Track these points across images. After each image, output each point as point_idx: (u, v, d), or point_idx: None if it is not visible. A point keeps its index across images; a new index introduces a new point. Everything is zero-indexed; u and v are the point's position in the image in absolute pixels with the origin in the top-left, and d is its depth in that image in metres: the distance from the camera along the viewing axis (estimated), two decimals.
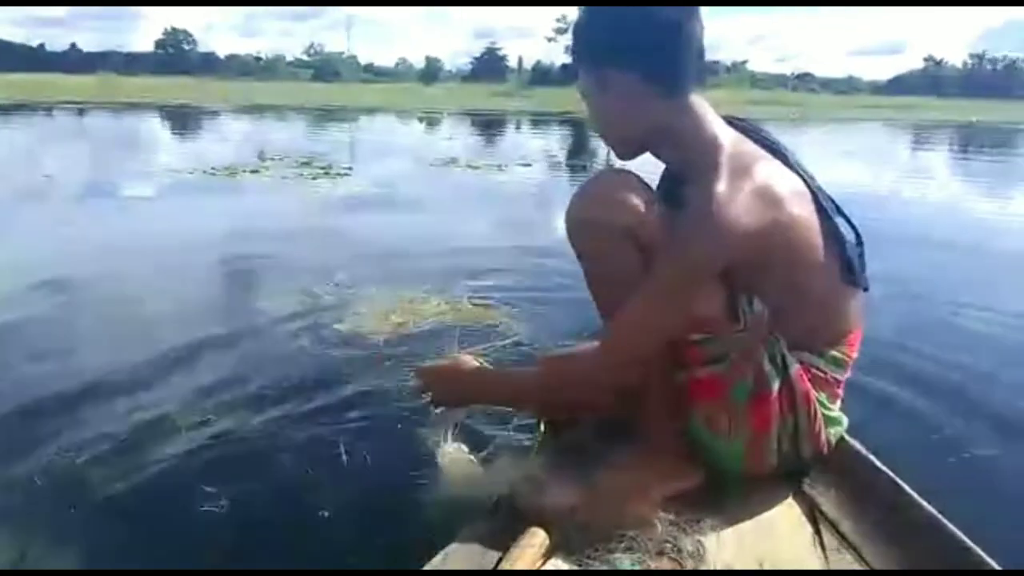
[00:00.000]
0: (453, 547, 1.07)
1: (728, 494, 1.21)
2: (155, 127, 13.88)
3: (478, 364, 1.36)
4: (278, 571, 1.24)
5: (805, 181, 1.21)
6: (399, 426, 1.63)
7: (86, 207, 4.84)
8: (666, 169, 1.29)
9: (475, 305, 2.48)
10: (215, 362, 2.00)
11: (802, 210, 1.15)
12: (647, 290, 1.11)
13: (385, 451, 1.54)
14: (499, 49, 78.95)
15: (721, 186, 1.06)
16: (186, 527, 1.30)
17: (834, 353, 1.22)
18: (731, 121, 1.24)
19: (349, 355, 2.05)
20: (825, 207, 1.20)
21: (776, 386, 1.16)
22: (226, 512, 1.32)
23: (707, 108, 1.19)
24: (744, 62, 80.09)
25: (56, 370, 1.96)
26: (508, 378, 1.44)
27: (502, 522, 1.14)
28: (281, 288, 2.71)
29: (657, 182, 1.29)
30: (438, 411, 1.35)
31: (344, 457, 1.51)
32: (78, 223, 4.20)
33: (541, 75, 62.49)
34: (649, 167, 1.25)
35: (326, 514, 1.32)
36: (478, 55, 78.63)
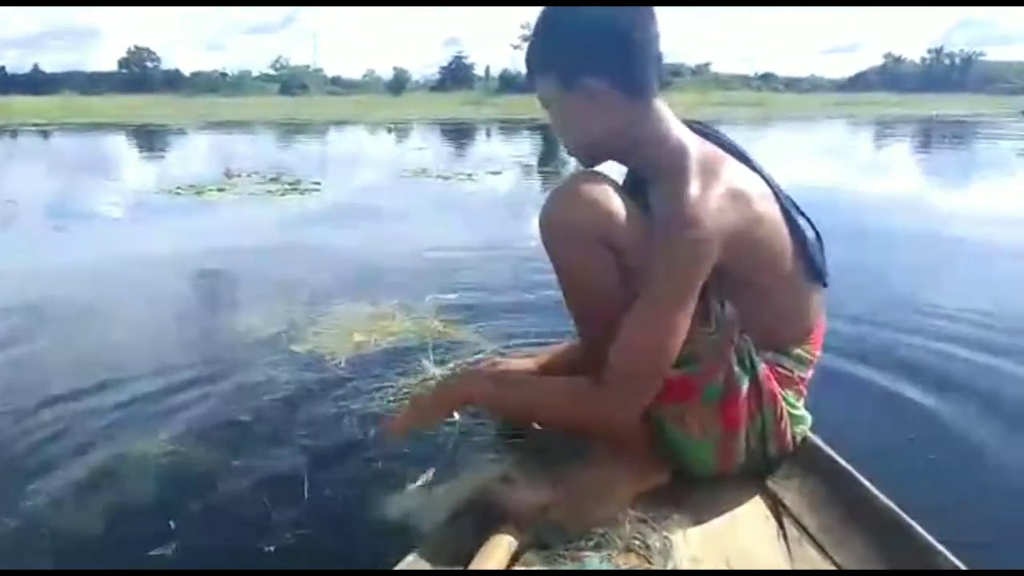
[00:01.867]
0: (421, 548, 1.08)
1: (695, 491, 1.23)
2: (120, 147, 13.69)
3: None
4: (272, 571, 1.23)
5: (766, 180, 1.23)
6: (353, 449, 1.61)
7: (48, 231, 4.76)
8: (628, 174, 1.30)
9: (442, 320, 2.44)
10: (166, 388, 1.96)
11: (769, 210, 1.17)
12: (650, 307, 1.10)
13: (341, 472, 1.52)
14: (466, 58, 79.08)
15: (695, 188, 1.08)
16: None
17: (799, 351, 1.24)
18: (690, 125, 1.25)
19: (302, 378, 2.00)
20: (787, 206, 1.23)
21: (745, 386, 1.18)
22: (179, 546, 1.28)
23: (668, 112, 1.21)
24: (707, 64, 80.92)
25: (5, 396, 1.93)
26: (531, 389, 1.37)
27: (472, 522, 1.15)
28: (242, 309, 2.68)
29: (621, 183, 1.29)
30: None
31: (300, 480, 1.49)
32: (40, 247, 4.13)
33: (508, 82, 62.56)
34: (613, 173, 1.26)
35: (283, 537, 1.30)
36: (445, 64, 78.67)
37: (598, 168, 1.28)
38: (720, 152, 1.20)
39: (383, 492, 1.41)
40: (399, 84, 74.51)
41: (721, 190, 1.10)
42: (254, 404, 1.85)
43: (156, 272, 3.39)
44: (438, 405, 1.35)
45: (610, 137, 1.22)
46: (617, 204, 1.15)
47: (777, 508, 1.20)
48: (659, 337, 1.10)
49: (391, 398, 1.83)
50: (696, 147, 1.17)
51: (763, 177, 1.23)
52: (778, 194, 1.22)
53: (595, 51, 1.16)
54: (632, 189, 1.25)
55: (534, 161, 10.22)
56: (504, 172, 7.89)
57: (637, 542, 1.09)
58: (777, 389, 1.21)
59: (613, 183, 1.20)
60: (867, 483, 1.18)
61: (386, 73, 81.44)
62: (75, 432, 1.72)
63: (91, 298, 2.94)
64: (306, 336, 2.31)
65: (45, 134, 16.54)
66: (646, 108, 1.19)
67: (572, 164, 8.46)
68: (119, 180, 7.60)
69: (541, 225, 1.20)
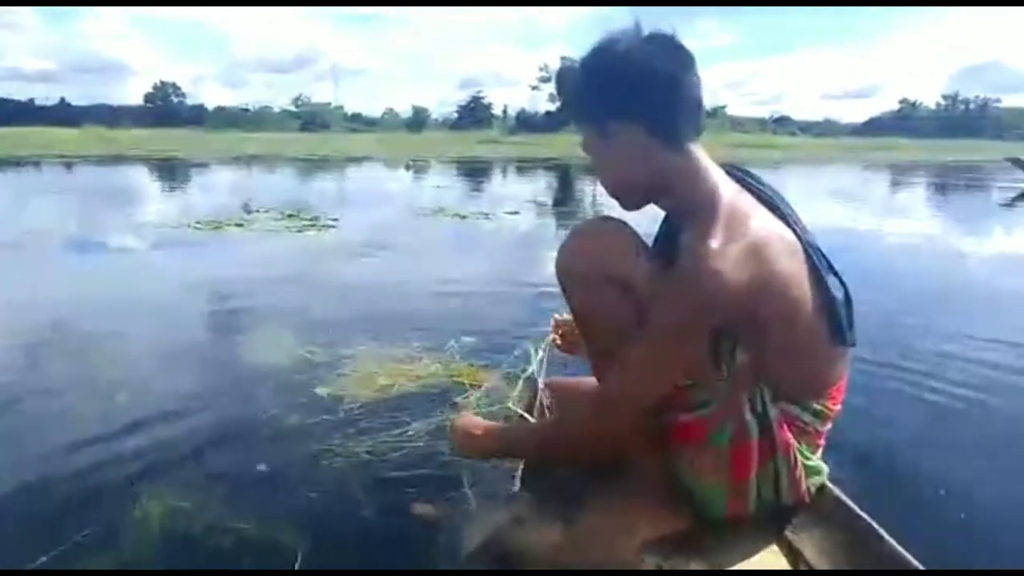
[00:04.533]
0: None
1: (713, 539, 1.21)
2: (143, 180, 13.88)
3: (490, 424, 1.40)
4: (277, 571, 1.24)
5: (799, 236, 1.20)
6: (373, 495, 1.57)
7: (66, 262, 4.79)
8: (666, 217, 1.30)
9: (468, 364, 2.38)
10: (189, 428, 1.94)
11: (793, 267, 1.15)
12: (642, 348, 1.11)
13: (361, 517, 1.50)
14: (483, 97, 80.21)
15: (715, 241, 1.06)
16: None
17: (816, 406, 1.22)
18: (729, 171, 1.24)
19: (324, 421, 1.96)
20: (817, 264, 1.19)
21: (756, 435, 1.17)
22: None
23: (706, 158, 1.20)
24: (723, 107, 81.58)
25: (28, 426, 1.93)
26: (516, 437, 1.41)
27: (485, 566, 1.16)
28: (261, 349, 2.63)
29: (657, 228, 1.30)
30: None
31: (320, 523, 1.46)
32: (54, 280, 4.13)
33: (525, 122, 63.43)
34: (640, 214, 1.26)
35: None
36: (464, 103, 79.78)
37: (636, 211, 1.27)
38: (752, 204, 1.18)
39: (397, 532, 1.40)
40: (418, 122, 75.65)
41: (743, 246, 1.07)
42: (280, 452, 1.81)
43: (173, 310, 3.37)
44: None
45: (646, 181, 1.21)
46: (631, 247, 1.17)
47: (796, 559, 1.19)
48: (643, 377, 1.12)
49: (416, 444, 1.79)
50: (729, 196, 1.15)
51: (796, 231, 1.20)
52: (808, 250, 1.19)
53: (630, 97, 1.15)
54: (667, 233, 1.26)
55: (550, 200, 10.24)
56: (521, 211, 7.90)
57: None
58: (791, 440, 1.19)
59: (629, 228, 1.21)
60: (886, 535, 1.16)
61: (405, 111, 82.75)
62: (84, 476, 1.69)
63: (105, 336, 2.91)
64: (330, 378, 2.27)
65: (68, 165, 16.80)
66: (682, 154, 1.18)
67: (588, 204, 8.53)
68: (138, 213, 7.65)
69: (558, 267, 1.22)
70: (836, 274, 1.23)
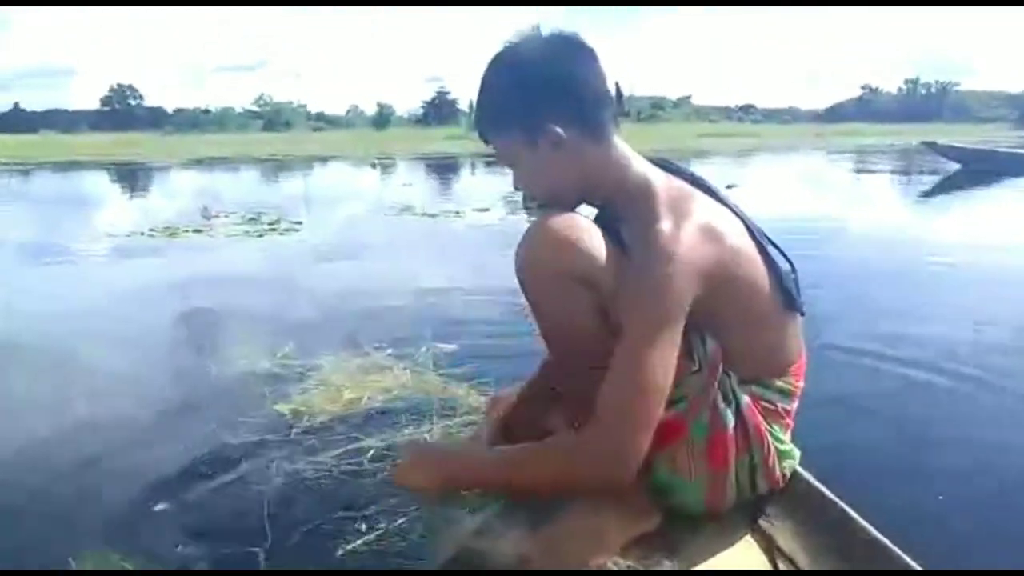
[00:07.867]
0: None
1: (687, 536, 1.21)
2: (98, 186, 13.47)
3: (457, 449, 1.38)
4: (279, 571, 1.21)
5: (735, 213, 1.22)
6: (326, 520, 1.42)
7: (4, 276, 4.49)
8: (598, 214, 1.30)
9: (442, 375, 2.20)
10: (133, 456, 1.75)
11: (742, 243, 1.17)
12: (634, 348, 1.06)
13: (310, 544, 1.34)
14: (448, 93, 79.88)
15: (667, 225, 1.08)
16: None
17: (780, 383, 1.23)
18: (654, 161, 1.25)
19: (279, 441, 1.78)
20: (759, 239, 1.22)
21: (731, 423, 1.17)
22: None
23: (630, 149, 1.22)
24: (688, 97, 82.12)
25: None
26: (482, 463, 1.29)
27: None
28: (216, 365, 2.41)
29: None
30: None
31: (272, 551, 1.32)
32: None
33: None
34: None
35: None
36: (429, 100, 79.36)
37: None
38: (688, 187, 1.20)
39: (359, 553, 1.29)
40: (383, 119, 75.11)
41: (693, 226, 1.09)
42: (234, 481, 1.62)
43: (117, 324, 3.13)
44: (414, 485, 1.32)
45: (580, 181, 1.21)
46: (594, 241, 1.15)
47: (771, 550, 1.18)
48: (647, 376, 1.07)
49: (376, 464, 1.64)
50: (663, 183, 1.18)
51: (733, 211, 1.23)
52: (750, 227, 1.23)
53: (549, 96, 1.16)
54: (605, 228, 1.24)
55: (519, 196, 10.05)
56: (491, 208, 7.69)
57: None
58: (763, 423, 1.20)
59: (587, 220, 1.20)
60: (861, 520, 1.15)
61: (370, 108, 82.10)
62: (24, 496, 1.57)
63: (40, 353, 2.68)
64: (292, 393, 2.09)
65: (25, 173, 16.24)
66: (608, 147, 1.20)
67: None
68: (91, 222, 7.32)
69: (517, 268, 1.19)
70: (776, 247, 1.26)
